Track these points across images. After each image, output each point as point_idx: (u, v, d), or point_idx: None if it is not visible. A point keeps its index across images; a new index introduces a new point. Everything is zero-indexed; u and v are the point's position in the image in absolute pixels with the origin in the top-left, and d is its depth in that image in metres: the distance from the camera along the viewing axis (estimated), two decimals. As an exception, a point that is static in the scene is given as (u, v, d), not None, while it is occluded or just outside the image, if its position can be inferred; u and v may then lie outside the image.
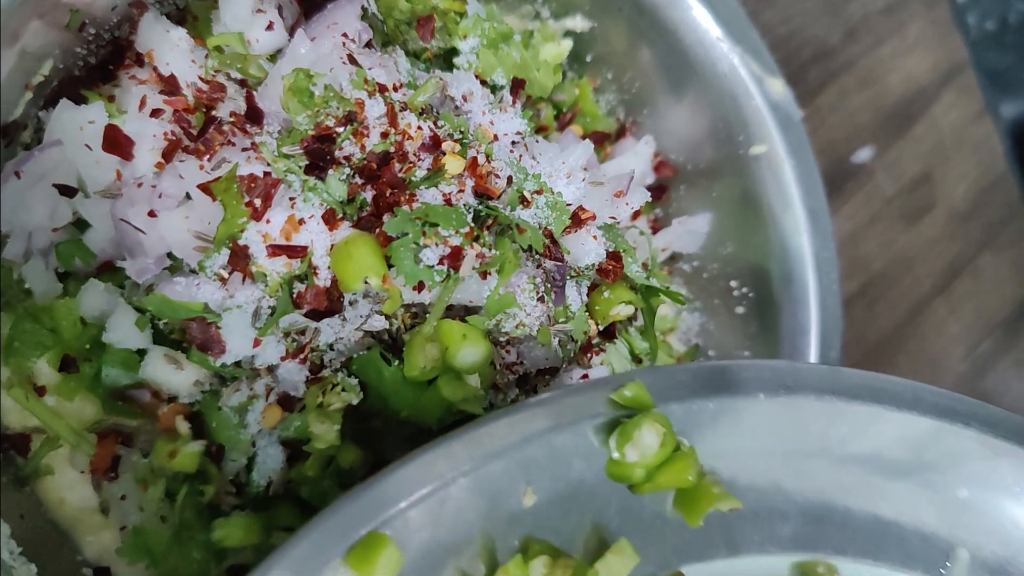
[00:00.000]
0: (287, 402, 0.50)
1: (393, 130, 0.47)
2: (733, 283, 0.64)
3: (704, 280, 0.65)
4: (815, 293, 0.60)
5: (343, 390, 0.49)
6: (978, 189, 0.97)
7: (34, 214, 0.46)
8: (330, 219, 0.46)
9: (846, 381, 0.43)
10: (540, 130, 0.60)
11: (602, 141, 0.65)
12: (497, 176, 0.50)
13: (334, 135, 0.46)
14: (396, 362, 0.49)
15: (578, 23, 0.61)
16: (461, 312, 0.50)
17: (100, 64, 0.51)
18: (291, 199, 0.46)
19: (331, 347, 0.50)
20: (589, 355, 0.57)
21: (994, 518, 0.44)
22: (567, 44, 0.61)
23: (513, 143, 0.54)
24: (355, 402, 0.49)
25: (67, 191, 0.47)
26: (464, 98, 0.53)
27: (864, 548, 0.43)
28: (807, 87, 0.90)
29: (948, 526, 0.44)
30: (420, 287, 0.47)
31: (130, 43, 0.51)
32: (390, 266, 0.46)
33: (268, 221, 0.45)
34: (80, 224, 0.50)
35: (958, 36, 0.97)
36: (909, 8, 0.94)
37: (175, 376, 0.49)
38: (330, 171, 0.46)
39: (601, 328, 0.57)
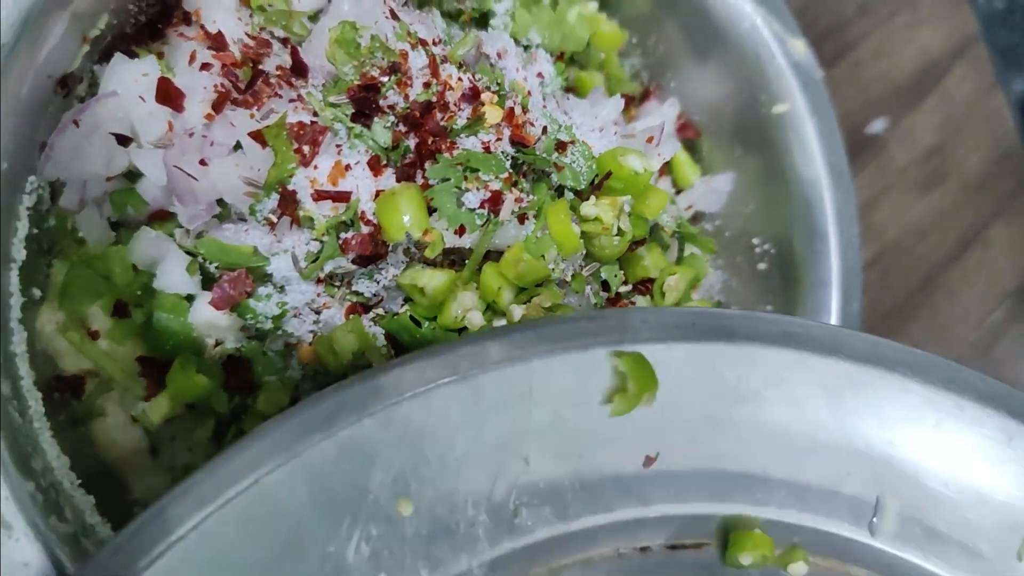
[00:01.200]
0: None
1: (435, 80, 0.49)
2: (755, 240, 0.65)
3: (726, 238, 0.67)
4: (836, 247, 0.62)
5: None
6: (990, 160, 0.98)
7: (91, 162, 0.48)
8: (375, 165, 0.48)
9: (760, 326, 0.41)
10: (568, 90, 0.62)
11: (627, 104, 0.67)
12: (532, 125, 0.52)
13: (379, 85, 0.48)
14: (427, 323, 0.52)
15: (606, -13, 0.64)
16: (496, 258, 0.52)
17: (149, 22, 0.53)
18: (337, 146, 0.48)
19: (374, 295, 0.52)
20: (619, 306, 0.59)
21: (920, 468, 0.42)
22: (592, 7, 0.63)
23: (544, 98, 0.56)
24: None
25: (124, 140, 0.49)
26: (499, 55, 0.55)
27: (787, 501, 0.42)
28: (822, 58, 0.91)
29: (875, 478, 0.42)
30: (461, 231, 0.49)
31: (178, 2, 0.53)
32: (432, 210, 0.49)
33: (316, 167, 0.48)
34: (131, 175, 0.52)
35: (969, 9, 0.99)
36: (921, -19, 0.96)
37: (222, 320, 0.51)
38: (375, 119, 0.48)
39: (631, 285, 0.59)
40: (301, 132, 0.47)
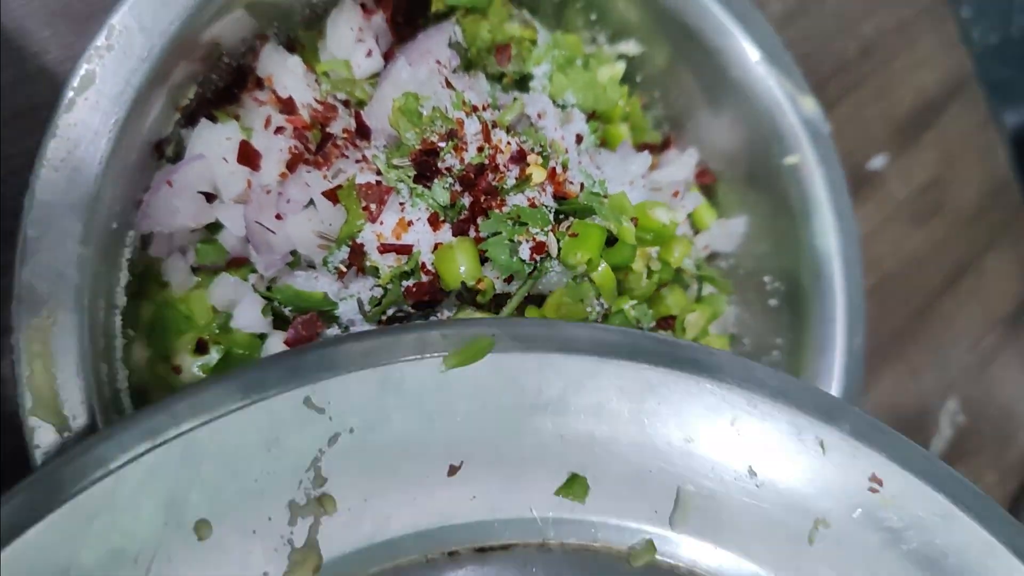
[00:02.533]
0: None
1: (487, 145, 0.55)
2: (766, 278, 0.72)
3: (740, 276, 0.74)
4: (841, 287, 0.68)
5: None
6: (983, 193, 1.05)
7: (180, 217, 0.54)
8: (434, 221, 0.54)
9: (559, 333, 0.43)
10: (600, 144, 0.69)
11: (649, 151, 0.73)
12: (571, 183, 0.58)
13: (438, 149, 0.54)
14: None
15: (631, 48, 0.69)
16: (537, 301, 0.58)
17: (226, 87, 0.59)
18: (400, 204, 0.54)
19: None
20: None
21: (718, 464, 0.45)
22: (620, 66, 0.69)
23: (579, 154, 0.62)
24: None
25: (209, 197, 0.55)
26: (539, 115, 0.61)
27: (592, 501, 0.44)
28: (826, 100, 0.98)
29: (676, 474, 0.44)
30: (510, 279, 0.55)
31: (252, 69, 0.59)
32: (484, 260, 0.55)
33: (382, 223, 0.54)
34: (210, 226, 0.58)
35: (964, 51, 1.06)
36: (919, 25, 1.03)
37: (292, 357, 0.57)
38: (435, 180, 0.54)
39: (655, 322, 0.66)
40: (369, 192, 0.53)
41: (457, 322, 0.46)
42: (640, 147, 0.71)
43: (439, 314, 0.56)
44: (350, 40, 0.60)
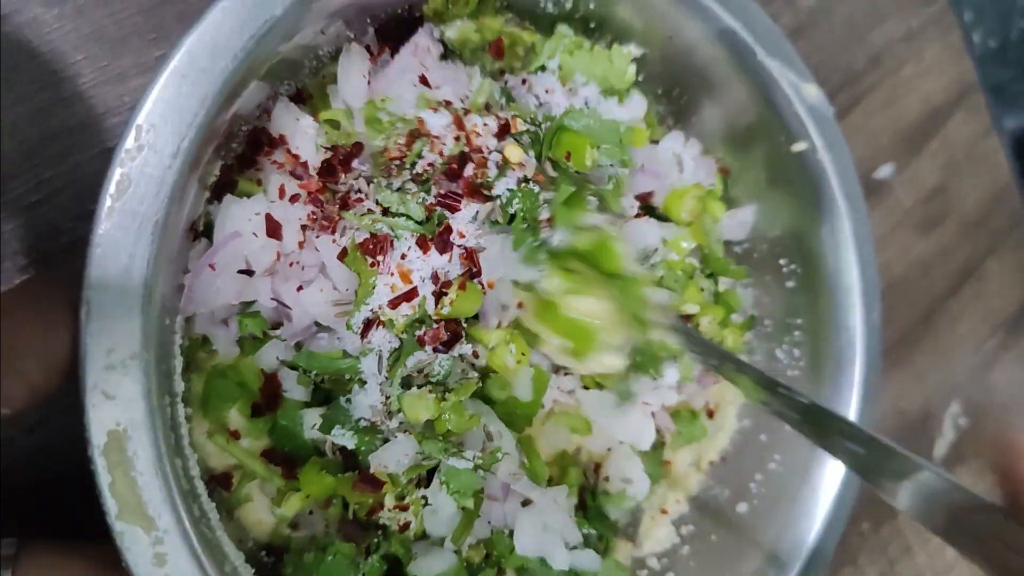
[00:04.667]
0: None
1: (462, 132, 0.55)
2: (782, 261, 0.70)
3: (755, 260, 0.72)
4: (855, 264, 0.67)
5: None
6: (986, 199, 1.06)
7: (223, 296, 0.53)
8: (423, 243, 0.54)
9: None
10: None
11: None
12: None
13: (404, 155, 0.54)
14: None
15: (632, 50, 0.68)
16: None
17: (243, 153, 0.57)
18: (391, 242, 0.55)
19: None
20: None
21: None
22: (633, 49, 0.69)
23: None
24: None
25: (248, 273, 0.55)
26: (547, 91, 0.62)
27: None
28: (836, 110, 0.99)
29: None
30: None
31: (264, 128, 0.58)
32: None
33: (392, 273, 0.54)
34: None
35: (969, 59, 1.06)
36: (926, 34, 1.02)
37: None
38: (407, 196, 0.54)
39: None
40: (370, 246, 0.54)
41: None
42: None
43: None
44: (362, 86, 0.59)
